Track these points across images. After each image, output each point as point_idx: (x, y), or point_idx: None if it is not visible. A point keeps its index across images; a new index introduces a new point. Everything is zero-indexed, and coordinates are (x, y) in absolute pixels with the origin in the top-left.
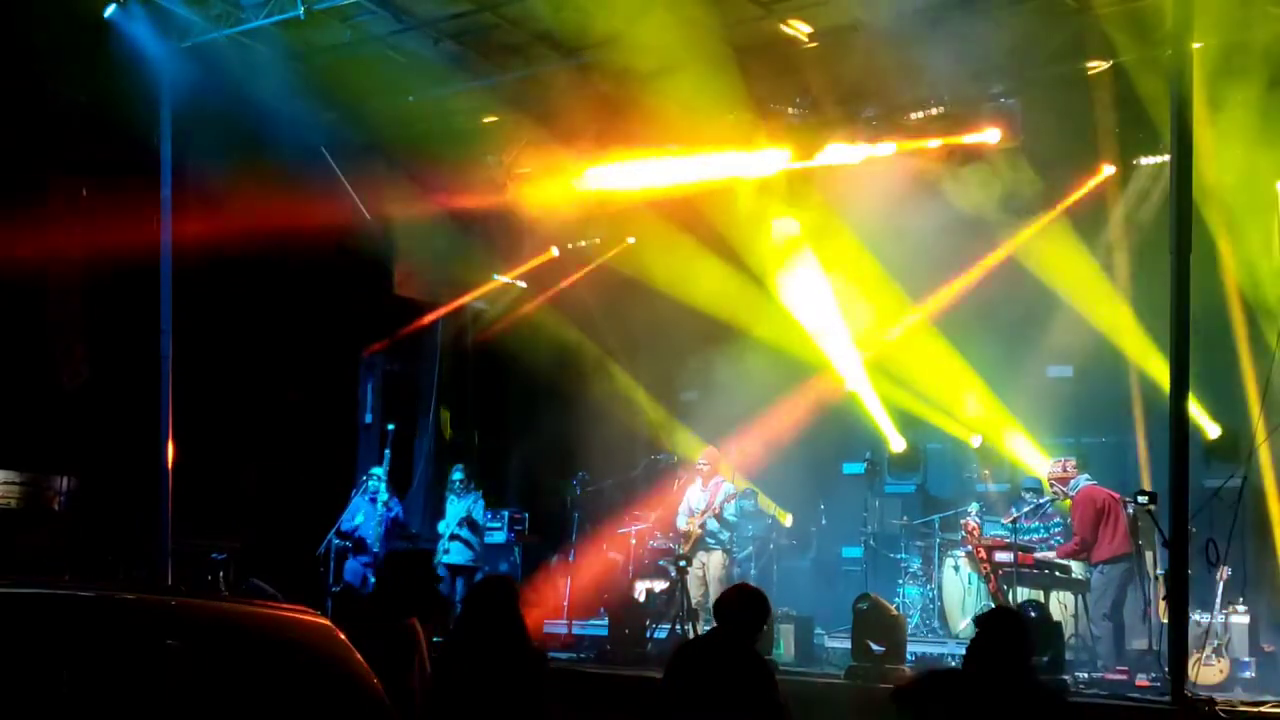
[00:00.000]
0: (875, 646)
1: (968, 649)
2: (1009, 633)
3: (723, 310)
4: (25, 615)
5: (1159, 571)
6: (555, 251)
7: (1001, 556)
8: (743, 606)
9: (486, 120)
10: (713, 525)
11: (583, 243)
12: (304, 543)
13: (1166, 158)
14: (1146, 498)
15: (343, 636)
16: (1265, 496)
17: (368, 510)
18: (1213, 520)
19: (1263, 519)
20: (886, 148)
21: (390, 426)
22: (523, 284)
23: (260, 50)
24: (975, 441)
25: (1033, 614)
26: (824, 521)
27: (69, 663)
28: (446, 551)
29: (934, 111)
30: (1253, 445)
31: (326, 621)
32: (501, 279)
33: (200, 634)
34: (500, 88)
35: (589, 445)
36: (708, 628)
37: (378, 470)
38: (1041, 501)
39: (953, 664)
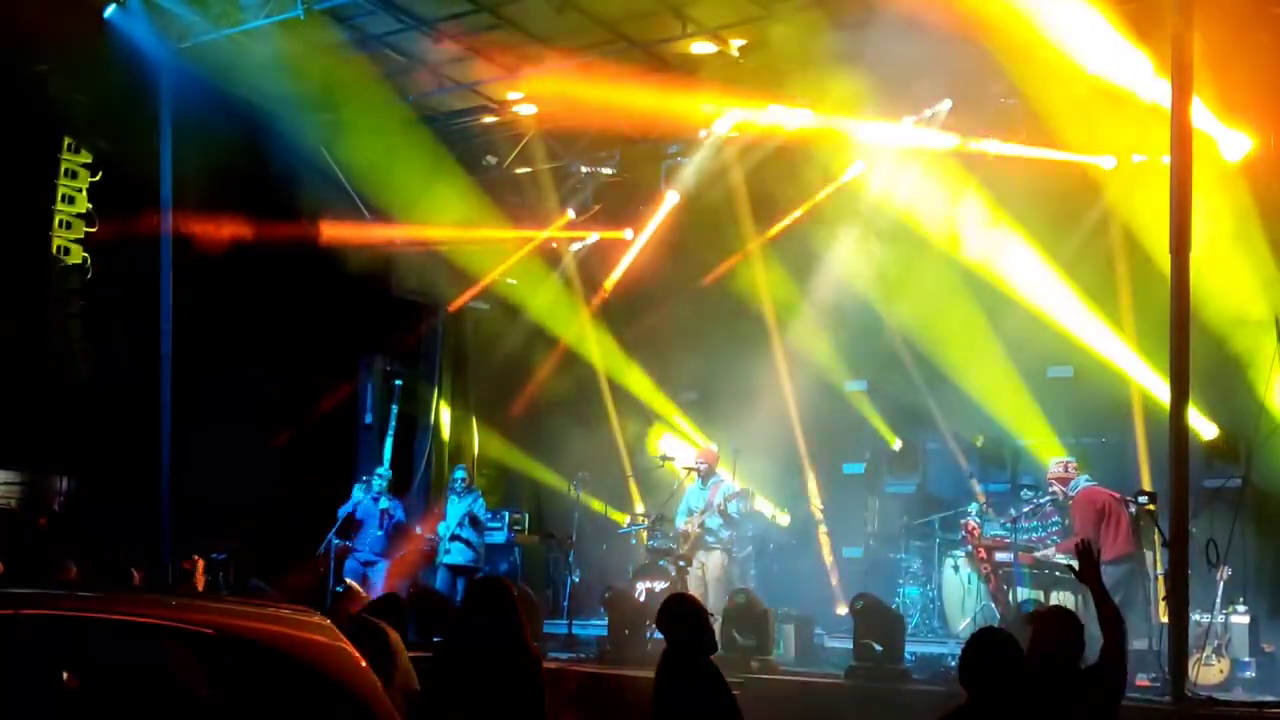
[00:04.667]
0: (875, 646)
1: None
2: (1074, 631)
3: (724, 309)
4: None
5: (1159, 571)
6: (555, 246)
7: (1001, 556)
8: (670, 622)
9: (485, 120)
10: (714, 523)
11: (583, 241)
12: (304, 543)
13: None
14: (1146, 498)
15: (343, 637)
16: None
17: (368, 509)
18: (1213, 520)
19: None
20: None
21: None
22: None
23: (260, 50)
24: (978, 442)
25: None
26: (824, 521)
27: (67, 666)
28: (448, 552)
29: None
30: (1252, 445)
31: (327, 622)
32: (502, 279)
33: (198, 635)
34: (499, 87)
35: (589, 445)
36: None
37: (380, 469)
38: (1041, 501)
39: (952, 664)
